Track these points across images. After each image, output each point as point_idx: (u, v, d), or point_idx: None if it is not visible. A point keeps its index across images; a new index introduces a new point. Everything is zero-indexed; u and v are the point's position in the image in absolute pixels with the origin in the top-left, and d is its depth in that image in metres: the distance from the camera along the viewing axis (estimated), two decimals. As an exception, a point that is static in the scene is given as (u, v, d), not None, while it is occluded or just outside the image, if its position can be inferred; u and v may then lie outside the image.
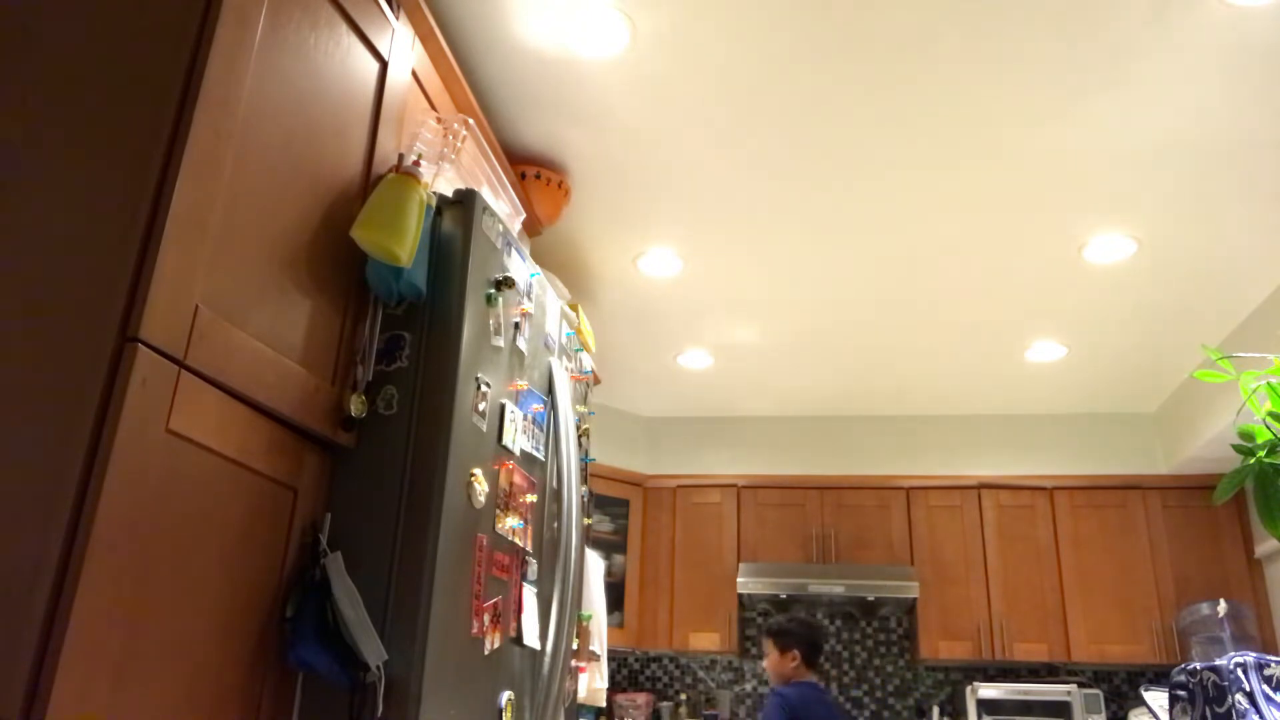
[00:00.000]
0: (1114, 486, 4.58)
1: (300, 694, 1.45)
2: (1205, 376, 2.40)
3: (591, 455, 4.66)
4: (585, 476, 2.53)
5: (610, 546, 4.67)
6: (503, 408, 1.80)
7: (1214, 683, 1.92)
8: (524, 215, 2.52)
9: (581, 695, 2.68)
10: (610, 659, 4.95)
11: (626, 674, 4.98)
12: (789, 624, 3.53)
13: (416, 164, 1.68)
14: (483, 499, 1.67)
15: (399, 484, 1.55)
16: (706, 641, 4.60)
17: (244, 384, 1.29)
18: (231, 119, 1.28)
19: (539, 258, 3.43)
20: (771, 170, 2.85)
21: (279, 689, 1.41)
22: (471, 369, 1.67)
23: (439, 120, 1.97)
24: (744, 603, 4.72)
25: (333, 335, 1.55)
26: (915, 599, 4.43)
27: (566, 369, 2.27)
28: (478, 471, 1.66)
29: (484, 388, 1.71)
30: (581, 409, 2.49)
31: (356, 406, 1.56)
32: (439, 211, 1.76)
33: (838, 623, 4.92)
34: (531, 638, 1.87)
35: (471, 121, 1.99)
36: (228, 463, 1.29)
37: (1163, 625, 4.30)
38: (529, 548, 1.89)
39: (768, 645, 3.56)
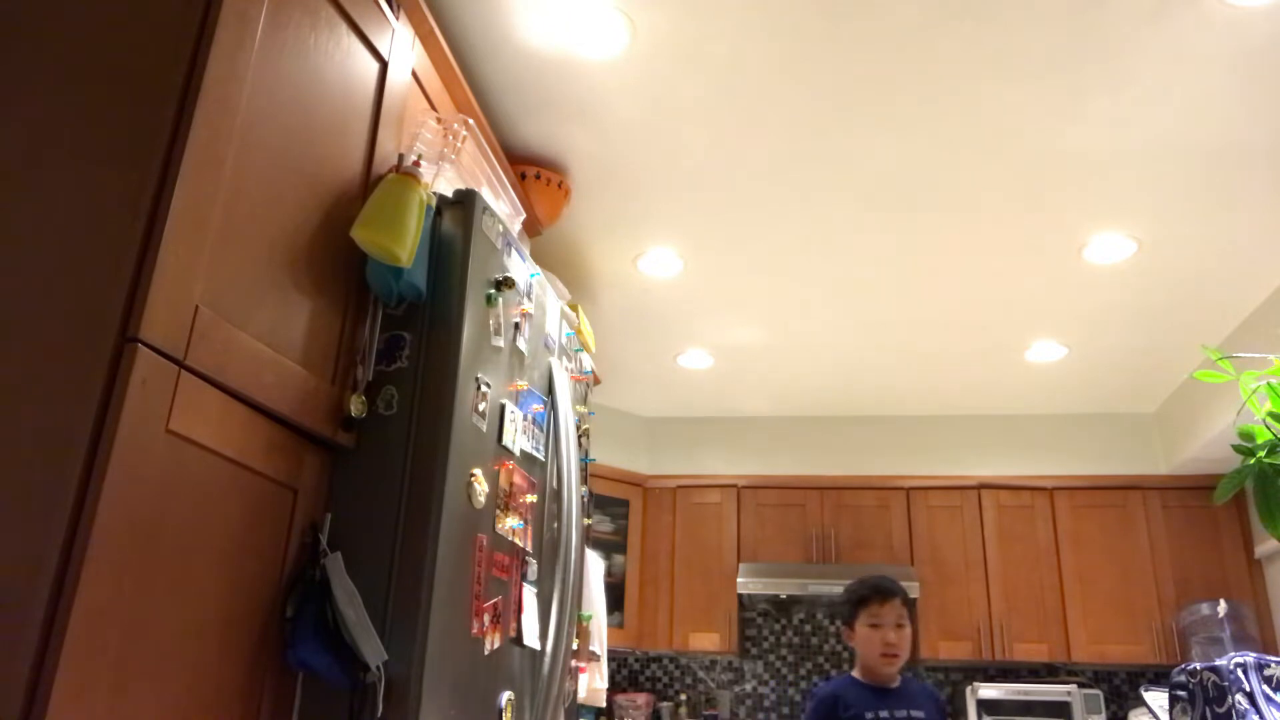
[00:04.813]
0: (1114, 486, 4.57)
1: (300, 694, 1.45)
2: (1205, 376, 2.41)
3: (591, 455, 4.66)
4: (585, 476, 2.53)
5: (610, 546, 4.67)
6: (503, 408, 1.80)
7: (1214, 683, 1.92)
8: (524, 215, 2.52)
9: (581, 695, 2.68)
10: (610, 659, 4.95)
11: (626, 674, 4.98)
12: None
13: (416, 164, 1.68)
14: (483, 499, 1.66)
15: (399, 484, 1.55)
16: (706, 642, 4.60)
17: (244, 384, 1.29)
18: (231, 119, 1.28)
19: (539, 258, 3.43)
20: (771, 170, 2.85)
21: (279, 689, 1.41)
22: (471, 369, 1.67)
23: (439, 120, 1.97)
24: (744, 603, 4.71)
25: (333, 335, 1.55)
26: (915, 599, 4.43)
27: (566, 369, 2.27)
28: (478, 472, 1.66)
29: (484, 388, 1.71)
30: (581, 409, 2.49)
31: (356, 407, 1.56)
32: (439, 211, 1.75)
33: (838, 623, 4.91)
34: (531, 638, 1.86)
35: (471, 121, 1.99)
36: (228, 463, 1.29)
37: (1163, 625, 4.30)
38: (529, 548, 1.89)
39: (906, 615, 2.46)
